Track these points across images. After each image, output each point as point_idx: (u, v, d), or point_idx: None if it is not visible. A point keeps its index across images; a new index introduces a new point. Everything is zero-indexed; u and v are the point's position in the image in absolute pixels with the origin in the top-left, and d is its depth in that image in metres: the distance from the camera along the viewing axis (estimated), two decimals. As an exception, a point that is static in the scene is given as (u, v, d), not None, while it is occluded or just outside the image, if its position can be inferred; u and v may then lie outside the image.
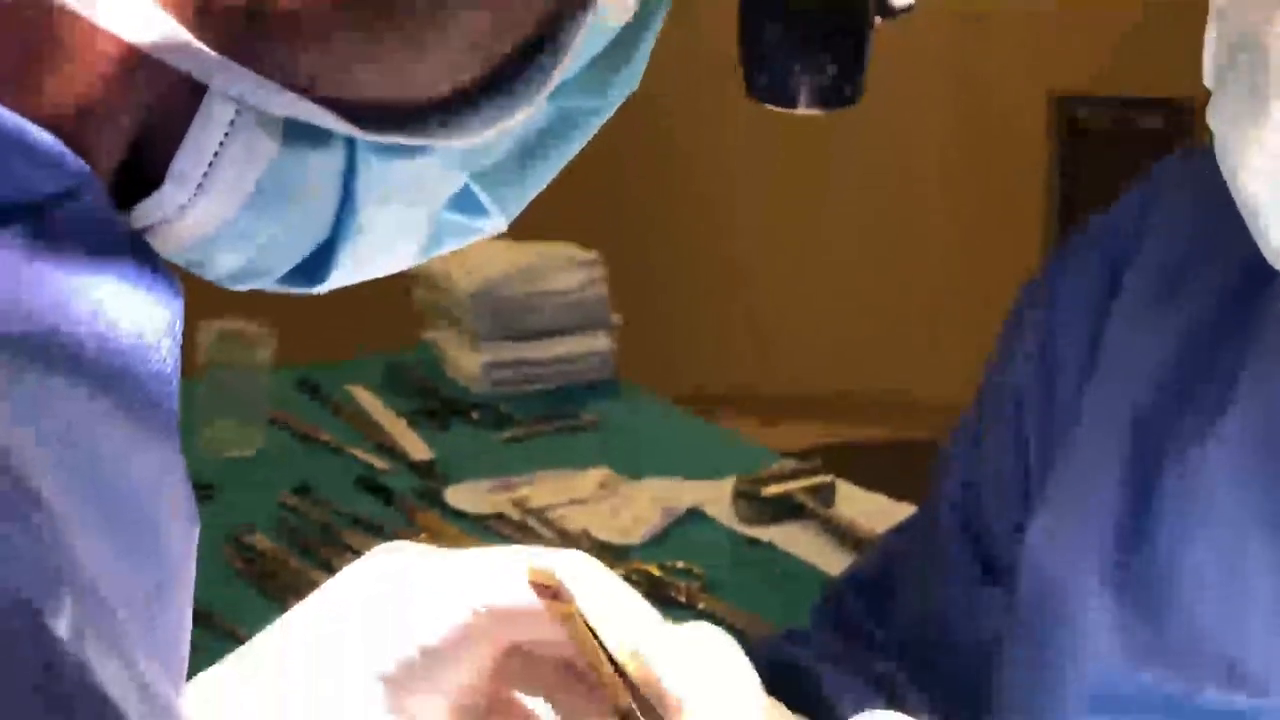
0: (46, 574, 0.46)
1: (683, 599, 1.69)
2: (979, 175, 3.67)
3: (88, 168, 0.51)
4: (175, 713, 0.50)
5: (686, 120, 3.60)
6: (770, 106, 0.65)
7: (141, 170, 0.54)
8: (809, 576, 1.75)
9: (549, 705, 0.77)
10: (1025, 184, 3.67)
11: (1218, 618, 0.95)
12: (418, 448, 2.09)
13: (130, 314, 0.52)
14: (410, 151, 0.57)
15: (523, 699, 0.77)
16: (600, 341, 2.33)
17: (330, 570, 1.71)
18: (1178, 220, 1.05)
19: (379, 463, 2.05)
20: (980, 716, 1.08)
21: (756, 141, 3.45)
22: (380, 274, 0.63)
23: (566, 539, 1.77)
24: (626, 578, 1.77)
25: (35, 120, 0.50)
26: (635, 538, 1.83)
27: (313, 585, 1.74)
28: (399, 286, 2.38)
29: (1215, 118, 0.90)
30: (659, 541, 1.84)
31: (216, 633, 1.60)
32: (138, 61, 0.52)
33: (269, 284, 0.60)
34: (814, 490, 1.92)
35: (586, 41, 0.58)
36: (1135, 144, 3.38)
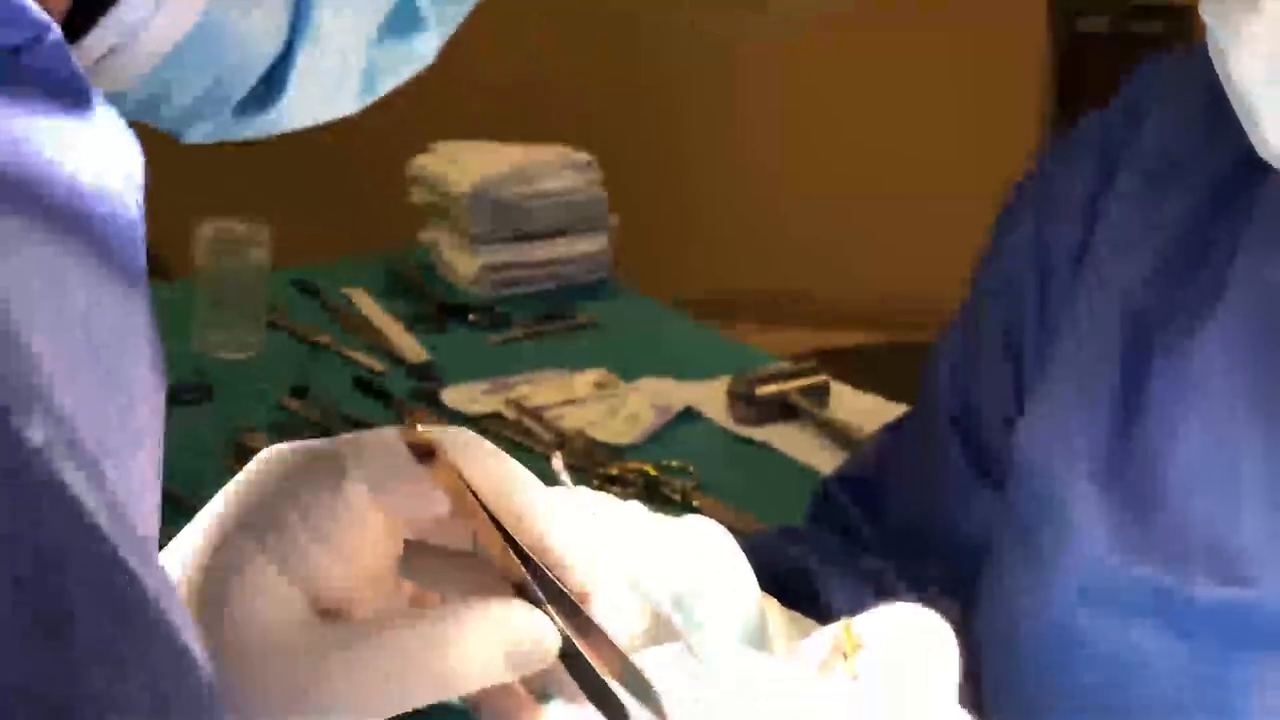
0: (18, 388, 0.45)
1: (677, 497, 1.71)
2: (978, 80, 3.66)
3: (48, 18, 0.51)
4: (144, 543, 0.49)
5: (684, 24, 3.59)
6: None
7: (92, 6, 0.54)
8: (802, 476, 1.76)
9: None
10: (1024, 90, 3.66)
11: (1208, 508, 0.95)
12: (414, 350, 2.09)
13: (94, 161, 0.52)
14: None
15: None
16: (597, 243, 2.34)
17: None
18: (1171, 115, 1.06)
19: (376, 364, 2.06)
20: (970, 612, 1.09)
21: (756, 45, 3.44)
22: (328, 112, 0.63)
23: (563, 438, 1.78)
24: (621, 477, 1.79)
25: None
26: (630, 437, 1.84)
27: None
28: (396, 188, 2.38)
29: (1208, 12, 0.91)
30: (654, 441, 1.85)
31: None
32: None
33: (226, 122, 0.60)
34: (808, 391, 1.93)
35: None
36: (1134, 50, 3.36)
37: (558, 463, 0.75)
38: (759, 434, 1.89)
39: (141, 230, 0.53)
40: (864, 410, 1.91)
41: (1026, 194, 1.11)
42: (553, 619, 0.72)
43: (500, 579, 0.73)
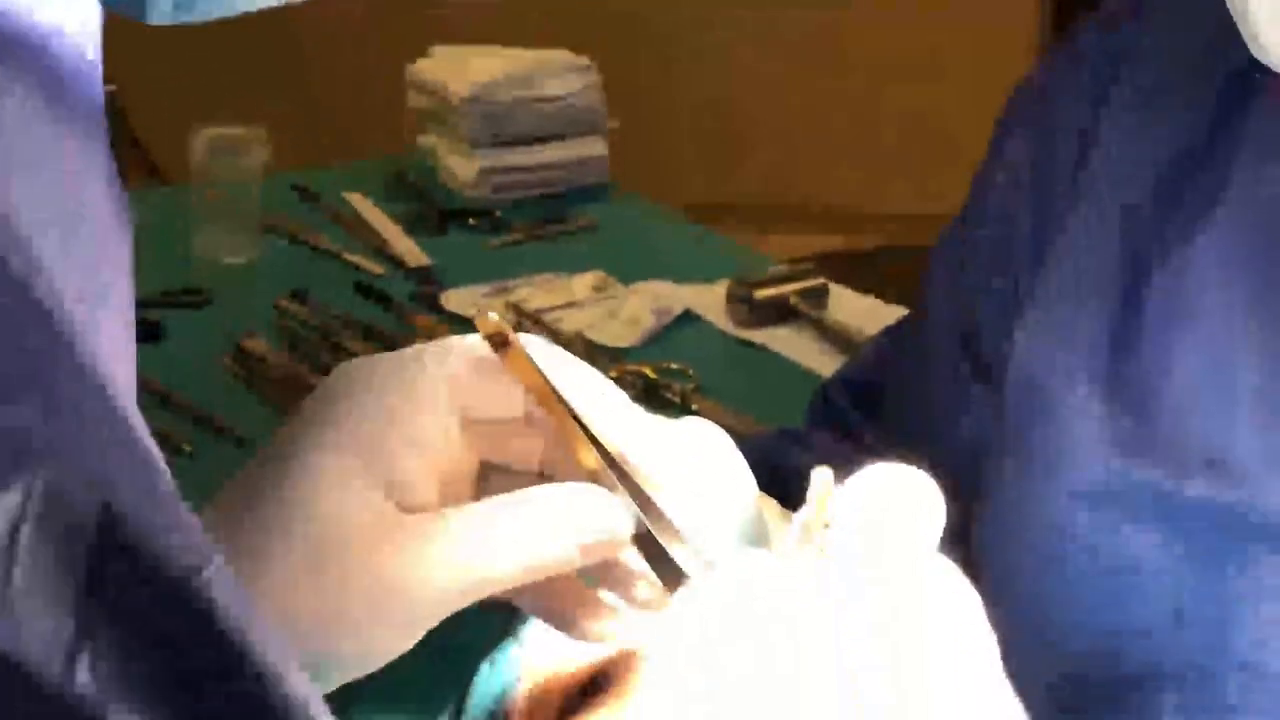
0: None
1: (676, 400, 1.71)
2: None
3: None
4: (115, 395, 0.49)
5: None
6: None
7: None
8: (801, 378, 1.76)
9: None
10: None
11: (1204, 413, 0.96)
12: (414, 253, 2.09)
13: (50, 6, 0.51)
14: None
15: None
16: (596, 146, 2.34)
17: (327, 374, 1.73)
18: (1170, 23, 1.05)
19: (376, 268, 2.06)
20: (971, 512, 1.10)
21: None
22: None
23: (561, 342, 1.77)
24: (620, 379, 1.80)
25: None
26: (629, 340, 1.85)
27: (310, 390, 1.76)
28: (395, 93, 2.37)
29: None
30: (653, 344, 1.86)
31: (216, 435, 1.62)
32: None
33: None
34: (806, 293, 1.93)
35: None
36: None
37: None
38: (758, 336, 1.89)
39: (99, 81, 0.53)
40: (862, 312, 1.92)
41: (1025, 103, 1.11)
42: (629, 507, 0.73)
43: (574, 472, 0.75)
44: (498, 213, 2.23)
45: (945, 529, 1.13)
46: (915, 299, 1.22)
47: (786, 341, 1.88)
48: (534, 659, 0.84)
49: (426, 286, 2.01)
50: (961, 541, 1.10)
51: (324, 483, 0.72)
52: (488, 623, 0.82)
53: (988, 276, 1.11)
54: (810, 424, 1.28)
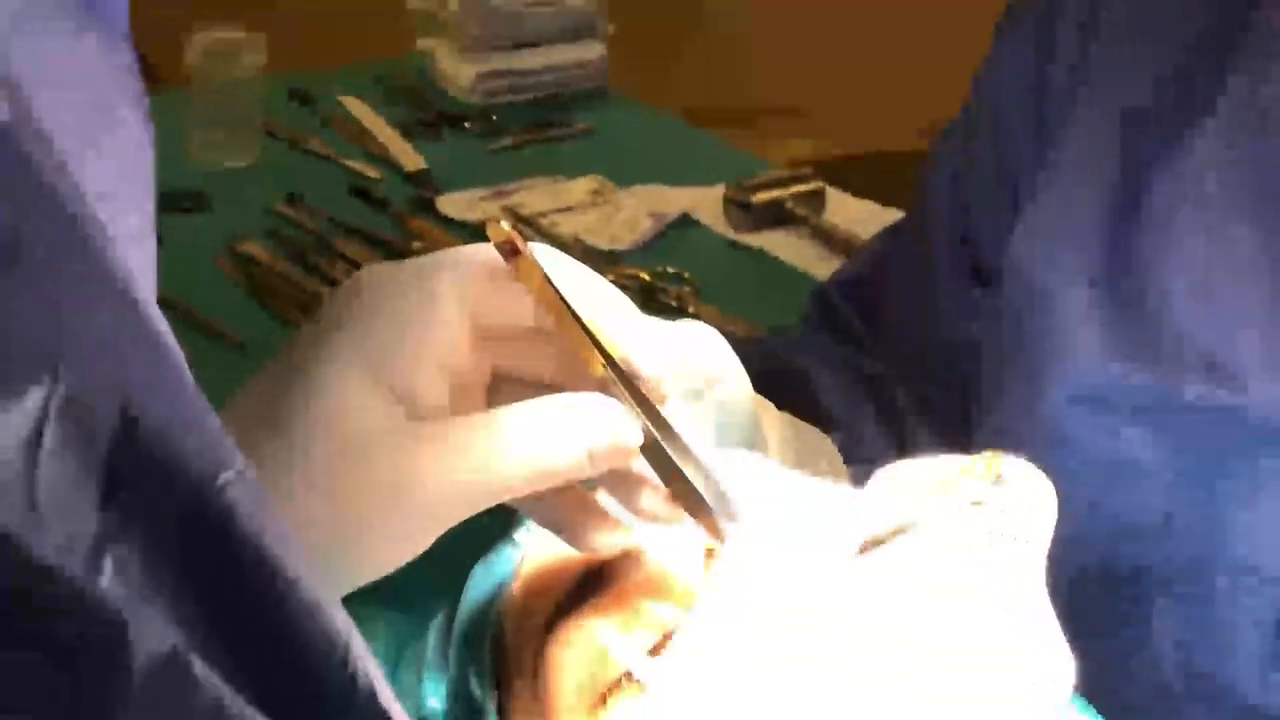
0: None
1: (673, 303, 1.71)
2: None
3: None
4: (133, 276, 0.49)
5: None
6: None
7: None
8: (798, 282, 1.76)
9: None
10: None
11: (1203, 316, 0.96)
12: (411, 157, 2.09)
13: None
14: None
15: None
16: (593, 50, 2.32)
17: (324, 278, 1.73)
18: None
19: (372, 172, 2.05)
20: (968, 413, 1.10)
21: None
22: None
23: (558, 245, 1.77)
24: (617, 283, 1.80)
25: None
26: (626, 243, 1.84)
27: (307, 293, 1.77)
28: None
29: None
30: (650, 247, 1.86)
31: (213, 339, 1.62)
32: None
33: None
34: (804, 197, 1.93)
35: None
36: None
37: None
38: (755, 240, 1.89)
39: None
40: (860, 216, 1.91)
41: (1025, 6, 1.10)
42: (636, 416, 0.73)
43: (582, 381, 0.75)
44: (495, 117, 2.22)
45: (945, 434, 1.14)
46: (913, 203, 1.21)
47: (783, 245, 1.88)
48: (528, 560, 0.85)
49: (423, 191, 2.00)
50: (958, 444, 1.10)
51: (336, 390, 0.73)
52: (482, 526, 0.83)
53: (987, 178, 1.11)
54: (807, 326, 1.28)
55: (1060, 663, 0.70)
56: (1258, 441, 0.93)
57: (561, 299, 0.74)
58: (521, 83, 2.28)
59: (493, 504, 0.74)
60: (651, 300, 1.71)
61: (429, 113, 2.22)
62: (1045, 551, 0.72)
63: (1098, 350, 0.98)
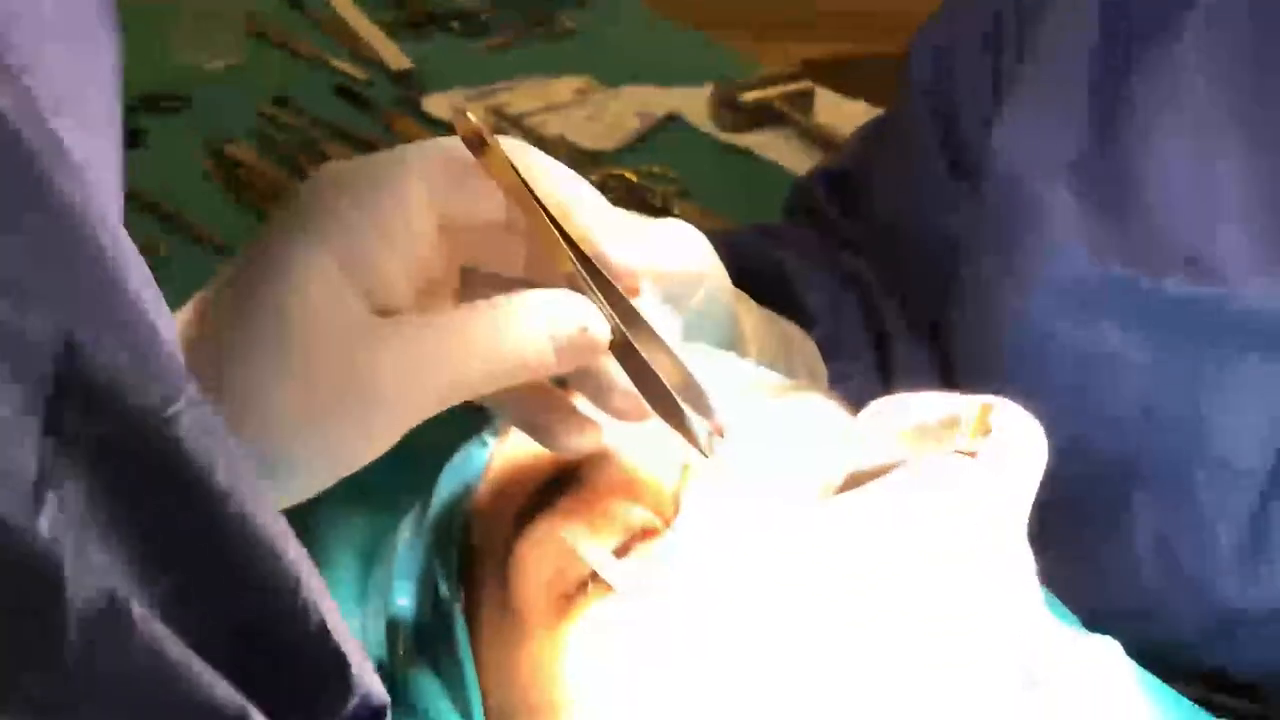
0: None
1: (658, 203, 1.70)
2: None
3: None
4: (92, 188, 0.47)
5: None
6: None
7: None
8: (786, 183, 1.74)
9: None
10: None
11: (1185, 210, 0.95)
12: (397, 57, 2.07)
13: None
14: None
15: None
16: (581, -52, 2.30)
17: (308, 179, 1.71)
18: None
19: (358, 73, 2.03)
20: (947, 311, 1.09)
21: None
22: None
23: (544, 145, 1.75)
24: (602, 184, 1.78)
25: None
26: (612, 143, 1.83)
27: (291, 194, 1.74)
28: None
29: None
30: (636, 148, 1.84)
31: (197, 241, 1.61)
32: None
33: None
34: (793, 97, 1.91)
35: None
36: None
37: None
38: (743, 140, 1.87)
39: None
40: (849, 117, 1.90)
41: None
42: (604, 311, 0.72)
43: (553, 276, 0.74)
44: (482, 16, 2.20)
45: (920, 330, 1.13)
46: (896, 97, 1.20)
47: (772, 146, 1.86)
48: (498, 459, 0.84)
49: (409, 91, 1.99)
50: (935, 337, 1.10)
51: (300, 286, 0.72)
52: (455, 425, 0.82)
53: (969, 71, 1.10)
54: (787, 216, 1.27)
55: (1024, 627, 0.68)
56: (1237, 335, 0.92)
57: (531, 193, 0.73)
58: (510, -18, 2.26)
59: (460, 400, 0.73)
60: (636, 200, 1.70)
61: (417, 13, 2.20)
62: (1030, 501, 0.71)
63: (1078, 243, 0.97)
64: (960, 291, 1.07)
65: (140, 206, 1.65)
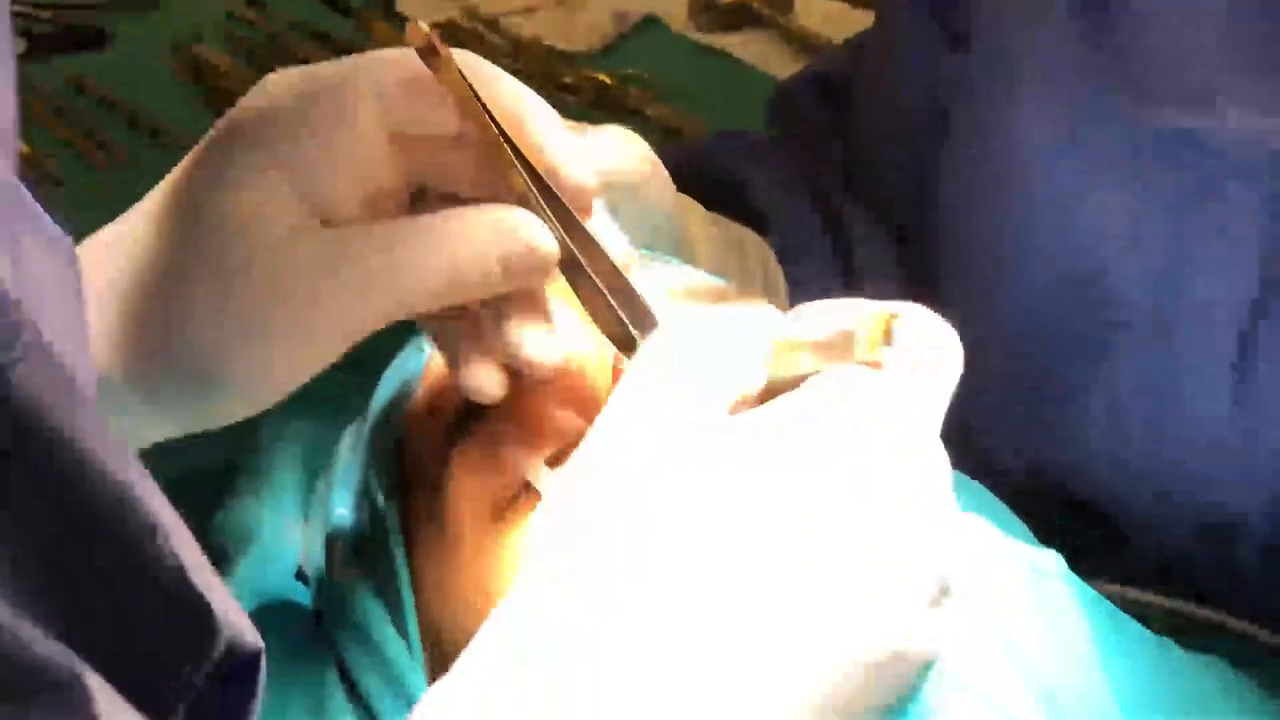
0: None
1: (633, 106, 1.68)
2: None
3: None
4: None
5: None
6: None
7: None
8: (764, 85, 1.72)
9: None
10: None
11: (1175, 44, 0.94)
12: (372, -43, 2.05)
13: None
14: None
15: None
16: None
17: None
18: None
19: (333, -27, 2.01)
20: (923, 219, 1.08)
21: None
22: None
23: (519, 47, 1.73)
24: (577, 86, 1.75)
25: None
26: (588, 45, 1.80)
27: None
28: None
29: None
30: (612, 50, 1.81)
31: (165, 145, 1.59)
32: None
33: None
34: (772, -3, 1.88)
35: None
36: None
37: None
38: (721, 42, 1.85)
39: None
40: (830, 17, 1.87)
41: None
42: (554, 230, 0.71)
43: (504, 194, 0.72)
44: (460, -85, 2.17)
45: (890, 226, 1.11)
46: (883, 4, 1.18)
47: (750, 47, 1.84)
48: (434, 366, 0.83)
49: (384, -9, 1.96)
50: (903, 241, 1.08)
51: (245, 196, 0.71)
52: (400, 333, 0.81)
53: None
54: (771, 123, 1.25)
55: (938, 540, 0.66)
56: (1227, 172, 0.91)
57: (483, 106, 0.72)
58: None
59: (403, 316, 0.72)
60: (610, 103, 1.67)
61: (394, -89, 2.17)
62: (942, 409, 0.69)
63: (1070, 81, 0.96)
64: (941, 165, 1.05)
65: (105, 108, 1.63)
